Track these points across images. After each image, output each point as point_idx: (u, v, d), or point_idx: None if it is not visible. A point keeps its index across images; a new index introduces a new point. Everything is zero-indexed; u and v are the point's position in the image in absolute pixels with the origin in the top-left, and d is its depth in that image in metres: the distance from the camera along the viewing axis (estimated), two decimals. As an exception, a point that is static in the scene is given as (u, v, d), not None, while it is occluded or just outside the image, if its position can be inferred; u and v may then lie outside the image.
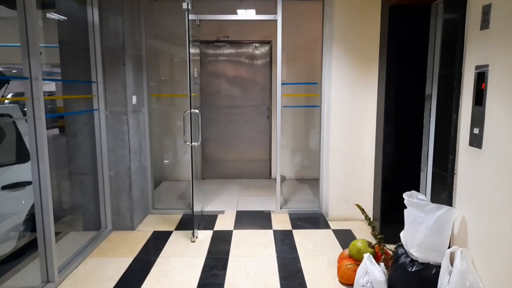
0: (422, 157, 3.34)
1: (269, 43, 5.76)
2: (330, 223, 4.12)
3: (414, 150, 3.37)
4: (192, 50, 3.80)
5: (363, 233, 3.71)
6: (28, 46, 2.58)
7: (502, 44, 1.81)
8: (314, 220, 4.23)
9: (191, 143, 3.64)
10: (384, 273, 2.42)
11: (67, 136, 3.78)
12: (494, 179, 1.88)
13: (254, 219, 4.24)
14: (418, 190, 2.95)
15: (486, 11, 1.92)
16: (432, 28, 3.11)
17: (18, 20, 2.56)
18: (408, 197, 2.35)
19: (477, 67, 2.01)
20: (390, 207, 3.41)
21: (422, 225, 2.22)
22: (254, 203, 4.76)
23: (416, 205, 2.27)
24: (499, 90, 1.83)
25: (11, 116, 3.26)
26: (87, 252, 3.38)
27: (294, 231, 3.89)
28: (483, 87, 1.94)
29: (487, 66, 1.92)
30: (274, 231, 3.89)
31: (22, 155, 3.16)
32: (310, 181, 5.69)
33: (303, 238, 3.69)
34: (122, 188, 3.84)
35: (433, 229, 2.18)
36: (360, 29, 3.85)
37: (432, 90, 3.14)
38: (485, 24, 1.93)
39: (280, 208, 4.45)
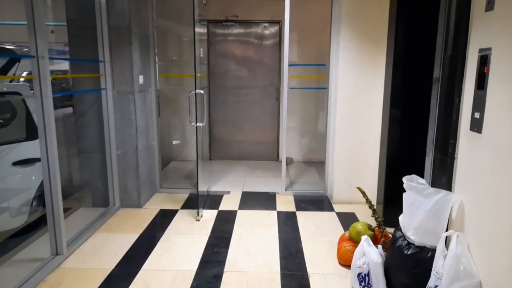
0: (428, 142, 3.30)
1: (279, 23, 5.69)
2: (334, 205, 4.15)
3: (420, 134, 3.32)
4: (198, 30, 3.79)
5: (367, 217, 3.73)
6: (34, 24, 2.61)
7: (506, 27, 1.76)
8: (319, 202, 4.26)
9: (196, 123, 3.67)
10: (381, 255, 2.45)
11: (75, 115, 3.85)
12: (492, 164, 1.87)
13: (259, 200, 4.29)
14: (422, 175, 2.93)
15: (492, -8, 1.86)
16: (442, 9, 3.01)
17: (24, -1, 2.59)
18: (408, 181, 2.35)
19: (480, 50, 1.96)
20: (393, 191, 3.39)
21: (420, 209, 2.22)
22: (260, 185, 4.81)
23: (415, 189, 2.26)
24: (500, 74, 1.79)
25: (20, 94, 3.33)
26: (95, 227, 3.49)
27: (298, 213, 3.93)
28: (485, 71, 1.90)
29: (490, 49, 1.87)
30: (278, 212, 3.94)
31: (31, 132, 3.24)
32: (318, 164, 5.69)
33: (306, 220, 3.73)
34: (129, 166, 3.93)
35: (430, 213, 2.18)
36: (368, 10, 3.77)
37: (440, 73, 3.08)
38: (490, 5, 1.87)
39: (286, 190, 4.49)
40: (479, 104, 1.97)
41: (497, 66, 1.83)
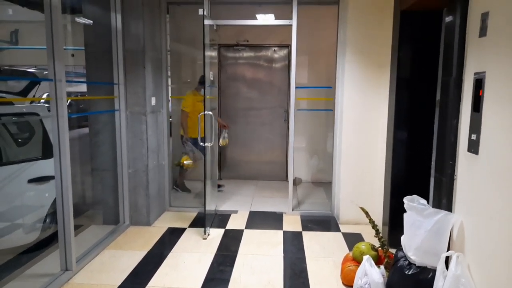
0: (432, 163, 3.33)
1: (288, 47, 5.84)
2: (340, 226, 4.16)
3: (424, 155, 3.36)
4: (209, 53, 3.95)
5: (373, 237, 3.72)
6: (53, 48, 2.78)
7: (498, 52, 1.83)
8: (325, 222, 4.27)
9: (205, 143, 3.77)
10: (383, 275, 2.46)
11: (90, 135, 4.00)
12: (489, 185, 1.90)
13: (266, 220, 4.33)
14: (427, 196, 2.95)
15: (484, 19, 1.94)
16: (443, 34, 3.10)
17: (44, 24, 2.77)
18: (409, 201, 2.38)
19: (475, 74, 2.03)
20: (398, 212, 3.38)
21: (420, 229, 2.24)
22: (268, 204, 4.85)
23: (415, 209, 2.29)
24: (494, 97, 1.85)
25: (38, 115, 3.50)
26: (104, 244, 3.57)
27: (304, 233, 3.95)
28: (480, 94, 1.96)
29: (484, 73, 1.93)
30: (284, 232, 3.96)
31: (47, 151, 3.39)
32: (326, 184, 5.70)
33: (311, 240, 3.75)
34: (139, 185, 4.03)
35: (431, 233, 2.20)
36: (372, 35, 3.88)
37: (439, 96, 3.14)
38: (483, 31, 1.95)
39: (293, 210, 4.52)
40: (475, 126, 2.02)
41: (491, 89, 1.89)
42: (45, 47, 2.79)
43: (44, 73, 4.72)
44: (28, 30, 7.67)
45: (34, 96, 4.60)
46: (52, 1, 2.72)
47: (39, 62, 5.70)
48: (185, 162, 4.87)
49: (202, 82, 4.26)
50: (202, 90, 4.09)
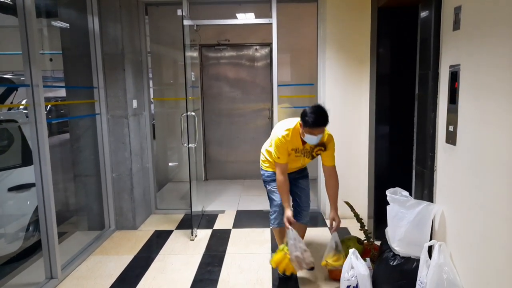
0: (414, 155, 3.39)
1: (269, 45, 5.86)
2: (327, 221, 4.18)
3: (406, 149, 3.42)
4: (189, 54, 3.93)
5: (359, 231, 3.77)
6: (29, 53, 2.73)
7: (471, 44, 1.87)
8: (312, 218, 4.26)
9: (188, 144, 3.76)
10: (369, 267, 2.49)
11: (71, 140, 3.94)
12: (466, 175, 1.95)
13: (253, 218, 4.34)
14: (410, 188, 3.01)
15: (457, 13, 1.98)
16: (419, 29, 3.16)
17: (19, 28, 2.71)
18: (391, 193, 2.42)
19: (450, 66, 2.07)
20: (382, 204, 3.43)
21: (403, 220, 2.28)
22: (255, 203, 4.86)
23: (398, 201, 2.33)
24: (469, 89, 1.90)
25: (16, 121, 3.43)
26: (90, 250, 3.52)
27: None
28: (456, 86, 2.01)
29: (459, 65, 1.98)
30: (272, 230, 3.97)
31: (27, 158, 3.32)
32: (311, 180, 5.71)
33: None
34: (124, 189, 3.99)
35: (413, 224, 2.24)
36: (352, 31, 3.93)
37: (417, 90, 3.20)
38: (456, 25, 2.00)
39: (279, 207, 4.53)
40: (452, 118, 2.07)
41: (466, 81, 1.94)
42: (21, 52, 2.73)
43: (22, 78, 4.63)
44: (3, 35, 7.48)
45: (11, 102, 4.49)
46: (25, 5, 2.67)
47: (15, 68, 5.58)
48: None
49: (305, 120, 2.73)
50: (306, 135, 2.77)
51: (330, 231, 2.90)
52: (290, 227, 2.72)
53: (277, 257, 2.78)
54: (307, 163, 3.06)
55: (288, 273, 2.81)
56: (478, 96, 1.81)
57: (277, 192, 2.92)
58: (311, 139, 2.73)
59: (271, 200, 3.04)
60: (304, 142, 2.81)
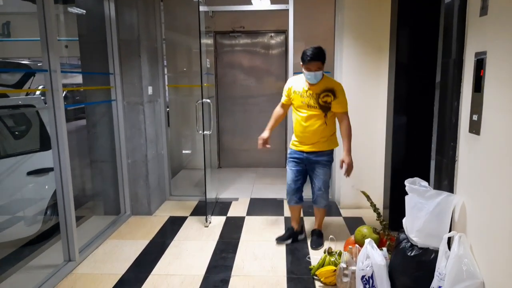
0: (432, 146, 3.33)
1: (284, 32, 5.78)
2: (341, 211, 4.17)
3: (425, 138, 3.36)
4: (204, 41, 3.90)
5: (374, 221, 3.74)
6: (47, 40, 2.74)
7: (499, 30, 1.80)
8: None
9: (204, 131, 3.75)
10: (386, 257, 2.47)
11: (87, 126, 3.98)
12: (490, 166, 1.89)
13: (267, 206, 4.34)
14: (428, 178, 2.96)
15: (485, -3, 1.91)
16: (442, 15, 3.07)
17: (37, 15, 2.72)
18: (410, 183, 2.38)
19: (476, 54, 2.00)
20: (399, 195, 3.38)
21: (422, 211, 2.24)
22: (268, 191, 4.86)
23: (417, 191, 2.29)
24: (496, 77, 1.83)
25: (34, 106, 3.47)
26: (106, 234, 3.58)
27: (305, 218, 3.97)
28: (481, 74, 1.94)
29: (485, 53, 1.91)
30: (285, 218, 3.98)
31: (45, 143, 3.36)
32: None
33: (312, 225, 3.76)
34: (139, 175, 4.02)
35: (432, 215, 2.20)
36: (370, 19, 3.84)
37: (440, 78, 3.12)
38: (483, 10, 1.92)
39: (293, 196, 4.52)
40: (477, 107, 2.00)
41: (492, 69, 1.87)
42: (39, 38, 2.75)
43: (39, 64, 4.67)
44: (21, 22, 7.54)
45: (29, 88, 4.55)
46: (44, -9, 2.67)
47: (32, 54, 5.64)
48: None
49: (302, 58, 3.15)
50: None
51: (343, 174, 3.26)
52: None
53: (325, 270, 2.74)
54: (315, 116, 3.14)
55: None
56: (506, 85, 1.75)
57: (290, 171, 3.31)
58: (310, 77, 3.04)
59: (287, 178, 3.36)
60: (307, 87, 3.10)
